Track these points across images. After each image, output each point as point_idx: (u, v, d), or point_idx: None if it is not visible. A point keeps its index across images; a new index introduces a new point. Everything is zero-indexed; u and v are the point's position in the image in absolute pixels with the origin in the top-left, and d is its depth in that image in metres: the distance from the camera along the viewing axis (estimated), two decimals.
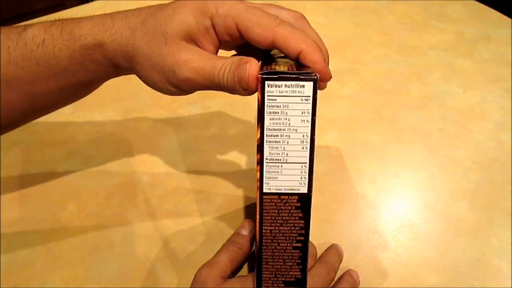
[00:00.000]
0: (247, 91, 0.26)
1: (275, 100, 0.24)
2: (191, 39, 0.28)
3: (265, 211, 0.26)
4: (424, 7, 0.71)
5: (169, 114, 0.52)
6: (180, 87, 0.28)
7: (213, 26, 0.28)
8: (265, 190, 0.26)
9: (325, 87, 0.30)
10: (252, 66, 0.25)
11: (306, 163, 0.26)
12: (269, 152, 0.25)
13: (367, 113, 0.53)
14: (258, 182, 0.26)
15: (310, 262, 0.31)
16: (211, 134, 0.49)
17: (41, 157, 0.47)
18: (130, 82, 0.54)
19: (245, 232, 0.34)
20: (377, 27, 0.66)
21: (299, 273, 0.28)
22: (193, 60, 0.27)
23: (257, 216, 0.27)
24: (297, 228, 0.27)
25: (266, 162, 0.26)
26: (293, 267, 0.28)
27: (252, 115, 0.51)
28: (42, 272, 0.37)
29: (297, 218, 0.27)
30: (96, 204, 0.43)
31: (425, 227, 0.41)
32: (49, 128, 0.49)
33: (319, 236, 0.39)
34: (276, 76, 0.24)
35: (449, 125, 0.51)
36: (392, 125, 0.51)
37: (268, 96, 0.24)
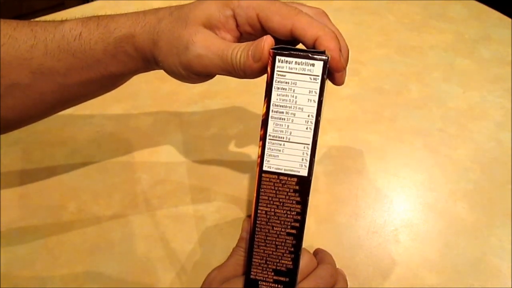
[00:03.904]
0: (259, 64, 0.26)
1: (284, 76, 0.25)
2: (210, 26, 0.29)
3: (262, 190, 0.26)
4: (424, 7, 0.71)
5: (169, 114, 0.52)
6: (191, 66, 0.28)
7: (235, 17, 0.29)
8: (264, 168, 0.26)
9: (342, 82, 0.29)
10: (269, 38, 0.26)
11: (308, 144, 0.25)
12: (273, 129, 0.25)
13: (367, 113, 0.53)
14: (259, 159, 0.25)
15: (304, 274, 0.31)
16: (211, 134, 0.49)
17: (41, 157, 0.47)
18: (130, 82, 0.54)
19: (248, 235, 0.34)
20: (377, 27, 0.66)
21: (291, 263, 0.27)
22: (208, 39, 0.28)
23: (254, 195, 0.26)
24: (293, 213, 0.26)
25: (269, 139, 0.25)
26: (285, 255, 0.27)
27: (252, 115, 0.51)
28: (42, 272, 0.37)
29: (294, 202, 0.26)
30: (96, 204, 0.43)
31: (425, 227, 0.41)
32: (49, 128, 0.49)
33: (319, 236, 0.39)
34: (288, 52, 0.24)
35: (449, 125, 0.51)
36: (392, 125, 0.51)
37: (277, 71, 0.25)
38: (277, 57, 0.24)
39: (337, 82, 0.28)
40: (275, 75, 0.25)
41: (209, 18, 0.28)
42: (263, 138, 0.25)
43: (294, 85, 0.25)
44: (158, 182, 0.44)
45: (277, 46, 0.25)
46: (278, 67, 0.25)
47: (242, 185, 0.44)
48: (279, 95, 0.25)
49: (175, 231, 0.41)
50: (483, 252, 0.39)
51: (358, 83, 0.57)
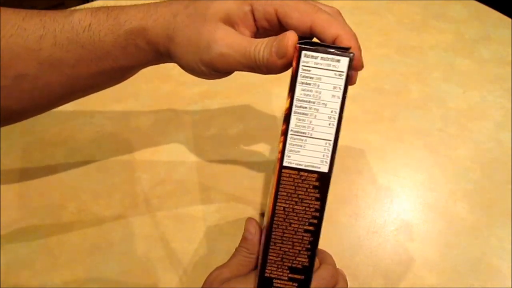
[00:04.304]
0: (283, 60, 0.26)
1: (309, 71, 0.25)
2: (229, 22, 0.28)
3: (282, 186, 0.26)
4: (424, 7, 0.71)
5: (169, 114, 0.52)
6: (213, 64, 0.28)
7: (252, 12, 0.29)
8: (285, 163, 0.25)
9: (355, 82, 0.29)
10: (292, 34, 0.26)
11: (330, 140, 0.25)
12: (295, 124, 0.25)
13: (367, 113, 0.53)
14: (280, 154, 0.25)
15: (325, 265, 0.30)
16: (211, 134, 0.49)
17: (41, 157, 0.47)
18: (130, 82, 0.54)
19: (251, 235, 0.32)
20: (377, 27, 0.66)
21: (307, 260, 0.27)
22: (230, 37, 0.27)
23: (273, 191, 0.26)
24: (311, 209, 0.26)
25: (291, 134, 0.25)
26: (301, 252, 0.27)
27: (252, 115, 0.51)
28: (42, 272, 0.37)
29: (314, 198, 0.26)
30: (96, 204, 0.43)
31: (425, 227, 0.41)
32: (49, 128, 0.49)
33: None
34: (314, 47, 0.24)
35: (449, 125, 0.51)
36: (392, 125, 0.51)
37: (302, 65, 0.24)
38: (303, 52, 0.24)
39: (352, 81, 0.28)
40: (300, 70, 0.24)
41: (228, 14, 0.28)
42: (284, 133, 0.25)
43: (318, 80, 0.25)
44: (158, 182, 0.44)
45: (302, 41, 0.25)
46: (303, 62, 0.24)
47: (242, 185, 0.44)
48: (303, 90, 0.25)
49: (175, 231, 0.41)
50: (483, 252, 0.39)
51: (358, 83, 0.56)
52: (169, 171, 0.46)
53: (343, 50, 0.24)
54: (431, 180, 0.45)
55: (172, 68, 0.57)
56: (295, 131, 0.25)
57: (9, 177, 0.45)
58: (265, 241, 0.27)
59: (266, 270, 0.27)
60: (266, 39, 0.27)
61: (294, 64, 0.25)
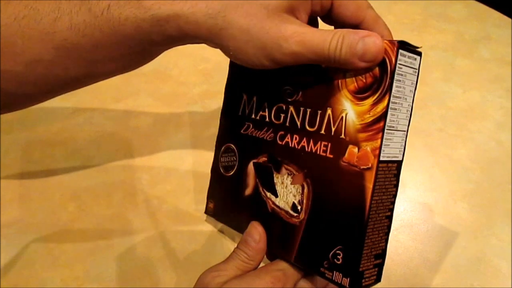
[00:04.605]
0: (368, 64, 0.26)
1: (401, 69, 0.26)
2: (292, 10, 0.27)
3: (378, 180, 0.26)
4: (424, 7, 0.71)
5: (169, 114, 0.52)
6: (282, 61, 0.27)
7: None
8: (381, 158, 0.26)
9: None
10: (380, 39, 0.25)
11: (406, 131, 0.27)
12: (390, 119, 0.26)
13: None
14: (377, 150, 0.26)
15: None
16: (211, 134, 0.49)
17: (41, 157, 0.47)
18: (130, 82, 0.54)
19: (254, 242, 0.31)
20: None
21: (384, 243, 0.28)
22: (300, 33, 0.26)
23: (370, 186, 0.26)
24: (390, 196, 0.27)
25: (386, 129, 0.26)
26: (382, 237, 0.27)
27: None
28: (42, 272, 0.37)
29: (393, 185, 0.27)
30: (96, 204, 0.43)
31: (425, 227, 0.41)
32: (49, 128, 0.49)
33: None
34: (407, 46, 0.26)
35: (449, 125, 0.51)
36: None
37: (399, 64, 0.26)
38: (400, 51, 0.25)
39: None
40: (396, 69, 0.25)
41: (291, 3, 0.27)
42: (382, 130, 0.26)
43: (405, 77, 0.26)
44: (158, 182, 0.44)
45: (397, 40, 0.26)
46: (399, 60, 0.26)
47: None
48: (397, 87, 0.26)
49: (175, 231, 0.40)
50: (483, 252, 0.39)
51: None
52: (169, 171, 0.46)
53: (416, 48, 0.27)
54: (431, 180, 0.45)
55: (172, 68, 0.57)
56: (389, 126, 0.26)
57: (9, 177, 0.45)
58: (358, 237, 0.26)
59: (361, 266, 0.27)
60: (339, 33, 0.26)
61: (391, 62, 0.25)
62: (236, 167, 0.34)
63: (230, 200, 0.34)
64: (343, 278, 0.27)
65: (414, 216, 0.42)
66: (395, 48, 0.25)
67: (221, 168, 0.35)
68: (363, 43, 0.25)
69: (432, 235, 0.40)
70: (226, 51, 0.28)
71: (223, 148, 0.36)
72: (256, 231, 0.31)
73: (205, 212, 0.37)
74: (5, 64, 0.27)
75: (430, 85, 0.57)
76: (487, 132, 0.50)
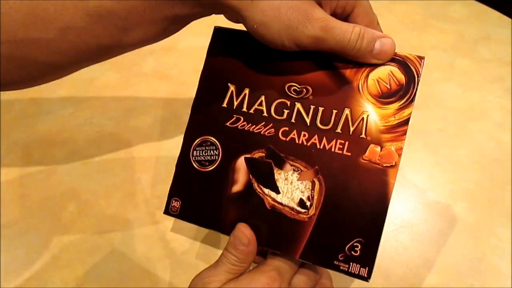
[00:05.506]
0: (378, 62, 0.29)
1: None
2: (320, 2, 0.28)
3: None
4: (424, 7, 0.71)
5: (169, 114, 0.52)
6: (302, 44, 0.27)
7: None
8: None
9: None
10: (394, 43, 0.29)
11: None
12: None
13: None
14: (401, 150, 0.29)
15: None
16: None
17: (41, 157, 0.47)
18: (130, 82, 0.54)
19: (243, 246, 0.30)
20: None
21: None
22: (325, 19, 0.27)
23: (393, 181, 0.29)
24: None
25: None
26: None
27: None
28: (42, 272, 0.37)
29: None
30: (96, 204, 0.43)
31: (425, 227, 0.41)
32: (49, 128, 0.49)
33: None
34: (420, 55, 0.30)
35: (449, 125, 0.51)
36: None
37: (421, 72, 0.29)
38: (422, 61, 0.29)
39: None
40: (421, 75, 0.29)
41: None
42: (406, 132, 0.29)
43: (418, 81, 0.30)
44: (158, 182, 0.44)
45: (420, 56, 0.30)
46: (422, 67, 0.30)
47: None
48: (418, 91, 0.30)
49: (175, 231, 0.41)
50: (483, 252, 0.39)
51: None
52: (169, 171, 0.45)
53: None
54: (431, 180, 0.45)
55: (172, 68, 0.57)
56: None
57: (9, 177, 0.45)
58: (379, 228, 0.28)
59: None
60: (357, 27, 0.28)
61: (418, 72, 0.29)
62: (218, 161, 0.32)
63: (209, 197, 0.32)
64: (361, 269, 0.28)
65: (414, 216, 0.42)
66: (422, 62, 0.29)
67: (194, 163, 0.33)
68: (381, 43, 0.29)
69: (432, 235, 0.40)
70: (250, 25, 0.28)
71: (197, 141, 0.33)
72: (244, 236, 0.30)
73: (165, 212, 0.33)
74: (36, 32, 0.26)
75: (430, 85, 0.57)
76: (487, 132, 0.50)
